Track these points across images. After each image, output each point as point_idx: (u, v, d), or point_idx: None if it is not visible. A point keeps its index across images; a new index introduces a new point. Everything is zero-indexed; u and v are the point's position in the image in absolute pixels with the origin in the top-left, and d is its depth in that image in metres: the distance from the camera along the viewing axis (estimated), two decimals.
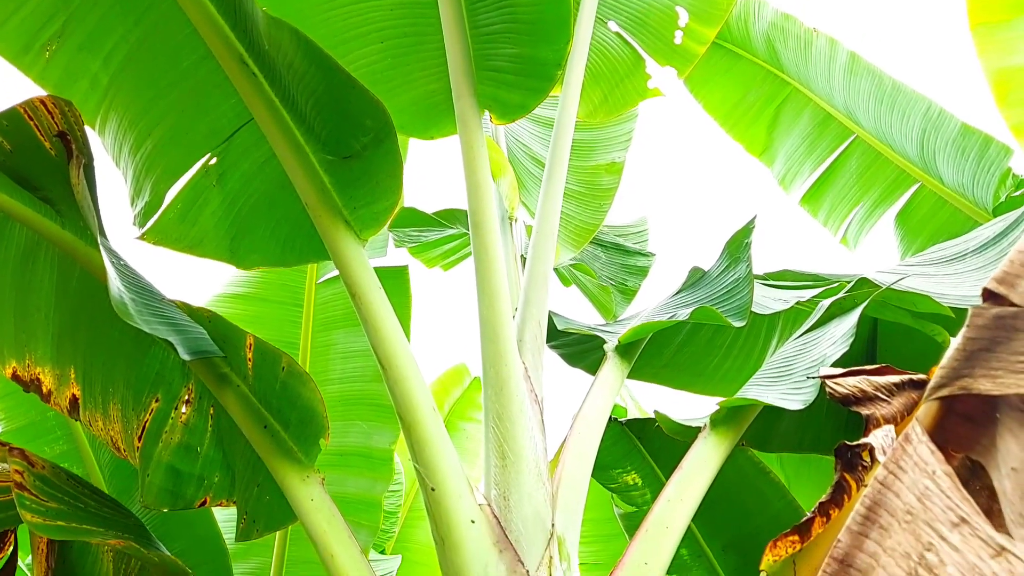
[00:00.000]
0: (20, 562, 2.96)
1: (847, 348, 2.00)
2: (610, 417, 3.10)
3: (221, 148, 2.23)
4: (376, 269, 3.92)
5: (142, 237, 2.20)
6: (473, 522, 1.71)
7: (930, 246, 3.52)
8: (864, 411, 1.73)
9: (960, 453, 1.19)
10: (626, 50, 2.66)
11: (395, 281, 3.74)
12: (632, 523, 3.22)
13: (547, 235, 2.26)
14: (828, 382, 1.78)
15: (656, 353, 3.25)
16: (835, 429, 2.78)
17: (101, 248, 1.85)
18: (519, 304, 2.23)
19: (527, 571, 1.70)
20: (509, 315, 2.02)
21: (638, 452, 3.19)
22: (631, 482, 3.24)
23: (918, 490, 1.11)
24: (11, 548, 2.26)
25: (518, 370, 1.98)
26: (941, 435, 1.20)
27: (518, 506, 1.80)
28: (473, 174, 2.13)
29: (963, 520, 1.03)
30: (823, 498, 1.58)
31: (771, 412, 2.60)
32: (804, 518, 1.61)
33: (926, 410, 1.19)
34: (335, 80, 1.96)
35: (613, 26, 2.66)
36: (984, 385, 1.11)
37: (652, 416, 4.08)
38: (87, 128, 2.25)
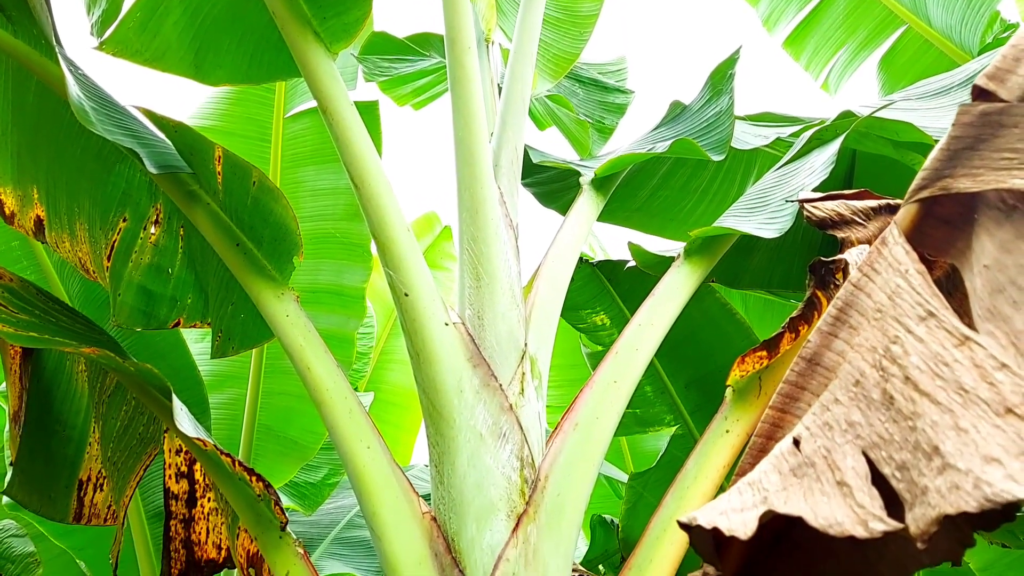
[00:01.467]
0: None
1: (826, 176, 1.99)
2: (581, 259, 3.13)
3: None
4: None
5: (100, 47, 2.09)
6: (447, 325, 1.73)
7: None
8: (840, 234, 1.74)
9: (936, 257, 1.21)
10: None
11: (366, 116, 3.61)
12: (599, 361, 3.30)
13: (525, 58, 2.18)
14: (806, 206, 1.78)
15: (630, 195, 3.24)
16: (803, 267, 2.82)
17: (59, 56, 1.75)
18: (495, 128, 2.17)
19: (500, 385, 1.74)
20: (485, 137, 1.97)
21: (607, 294, 3.23)
22: (600, 322, 3.29)
23: (889, 289, 1.13)
24: None
25: (493, 194, 1.95)
26: (918, 239, 1.21)
27: (492, 325, 1.82)
28: None
29: (930, 314, 1.05)
30: (794, 313, 1.61)
31: (743, 248, 2.63)
32: (774, 333, 1.65)
33: (904, 213, 1.20)
34: None
35: None
36: (964, 184, 1.11)
37: (623, 260, 4.11)
38: None
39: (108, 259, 2.13)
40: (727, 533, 1.00)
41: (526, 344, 1.88)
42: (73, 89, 1.71)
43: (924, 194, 1.16)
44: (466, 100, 1.98)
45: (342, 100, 1.90)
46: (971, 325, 1.05)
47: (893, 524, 0.90)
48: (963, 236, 1.16)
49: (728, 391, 1.77)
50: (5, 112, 2.20)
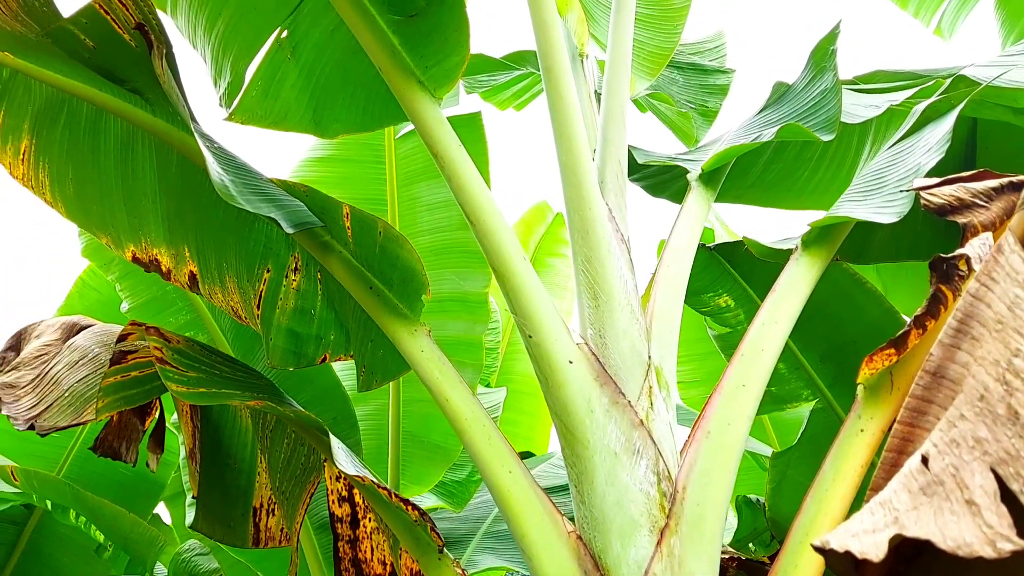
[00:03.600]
0: (167, 423, 3.29)
1: (943, 155, 1.94)
2: (699, 244, 3.14)
3: (291, 20, 2.24)
4: (449, 119, 3.95)
5: (230, 118, 2.28)
6: (571, 362, 1.81)
7: None
8: (961, 219, 1.70)
9: None
10: None
11: (469, 128, 3.74)
12: (727, 343, 3.30)
13: (620, 67, 2.22)
14: (922, 193, 1.76)
15: (742, 174, 3.21)
16: (933, 235, 2.73)
17: (195, 134, 1.93)
18: (597, 144, 2.22)
19: (628, 401, 1.81)
20: (588, 159, 2.03)
21: (729, 275, 3.23)
22: (723, 304, 3.30)
23: (1008, 299, 1.13)
24: (158, 412, 2.51)
25: (602, 213, 2.01)
26: None
27: (614, 342, 1.89)
28: (539, 13, 2.09)
29: None
30: (919, 311, 1.60)
31: (865, 224, 2.58)
32: (900, 331, 1.65)
33: (1019, 219, 1.19)
34: None
35: None
36: None
37: (741, 239, 4.08)
38: (161, 13, 2.31)
39: (257, 308, 2.33)
40: (859, 556, 1.04)
41: (650, 356, 1.94)
42: (213, 168, 1.89)
43: None
44: (565, 122, 2.04)
45: (451, 142, 2.01)
46: None
47: (1021, 543, 0.92)
48: None
49: (859, 389, 1.77)
50: (153, 182, 2.42)
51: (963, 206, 1.69)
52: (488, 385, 5.19)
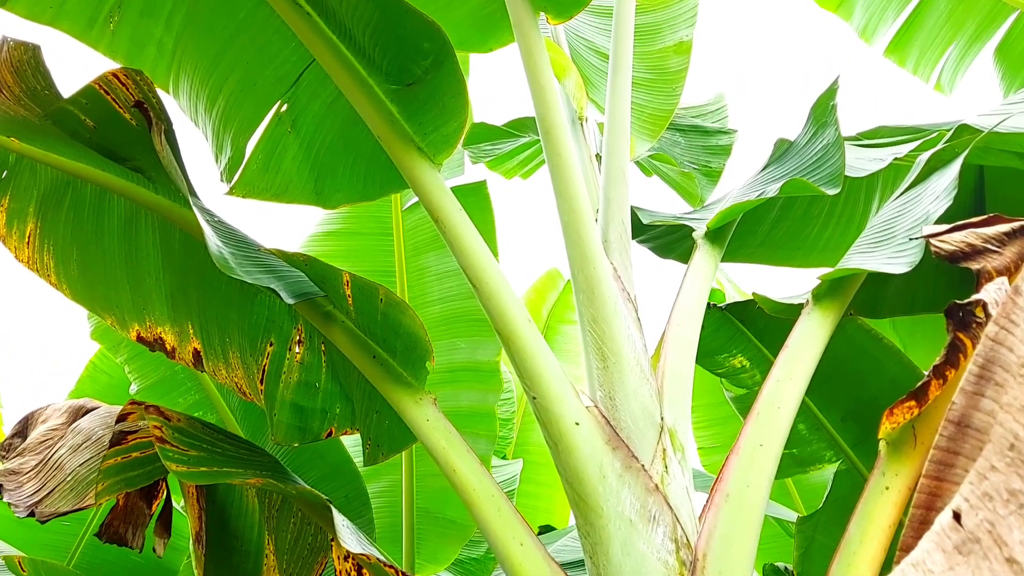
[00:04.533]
0: (175, 504, 3.22)
1: (950, 202, 1.91)
2: (709, 303, 3.09)
3: (290, 94, 2.26)
4: (455, 188, 3.96)
5: (231, 192, 2.28)
6: (579, 424, 1.75)
7: None
8: (974, 266, 1.66)
9: None
10: None
11: (475, 197, 3.76)
12: (744, 405, 3.22)
13: (619, 129, 2.22)
14: (932, 241, 1.72)
15: (750, 232, 3.18)
16: (948, 285, 2.68)
17: (194, 209, 1.92)
18: (600, 205, 2.21)
19: (642, 465, 1.74)
20: (591, 218, 2.01)
21: (742, 335, 3.17)
22: (739, 365, 3.23)
23: None
24: (164, 495, 2.45)
25: (607, 272, 1.98)
26: None
27: (625, 404, 1.83)
28: (536, 79, 2.10)
29: None
30: (937, 360, 1.54)
31: (878, 277, 2.52)
32: (920, 382, 1.59)
33: None
34: (387, 7, 1.94)
35: None
36: None
37: (751, 297, 4.00)
38: (163, 92, 2.34)
39: (261, 383, 2.29)
40: None
41: (662, 417, 1.88)
42: (212, 241, 1.87)
43: None
44: (566, 185, 2.03)
45: (451, 207, 1.99)
46: None
47: None
48: None
49: (881, 444, 1.70)
50: (156, 260, 2.42)
51: (975, 252, 1.65)
52: (504, 457, 5.10)
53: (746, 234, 3.19)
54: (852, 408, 2.98)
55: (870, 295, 2.63)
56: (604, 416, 1.82)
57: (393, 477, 3.96)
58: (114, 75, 2.03)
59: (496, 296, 1.89)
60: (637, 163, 3.57)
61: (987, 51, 3.66)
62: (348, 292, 1.98)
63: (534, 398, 1.80)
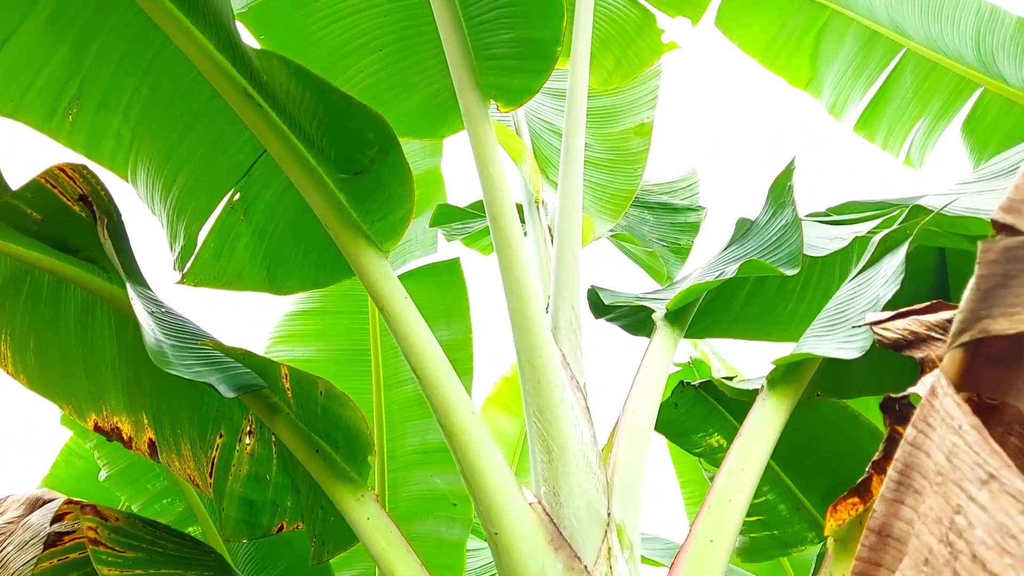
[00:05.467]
0: None
1: (898, 286, 1.89)
2: (683, 382, 3.05)
3: (242, 182, 2.27)
4: (429, 265, 3.96)
5: (181, 280, 2.27)
6: (519, 522, 1.70)
7: (1004, 151, 3.29)
8: (917, 354, 1.62)
9: (998, 399, 1.10)
10: (634, 9, 2.57)
11: (449, 275, 3.77)
12: None
13: (571, 213, 2.22)
14: (875, 328, 1.68)
15: (723, 308, 3.16)
16: (916, 364, 2.64)
17: (132, 301, 1.91)
18: (551, 289, 2.19)
19: (585, 567, 1.68)
20: (538, 304, 1.99)
21: (718, 413, 3.13)
22: (715, 444, 3.18)
23: (946, 448, 1.04)
24: None
25: (555, 359, 1.95)
26: (973, 382, 1.11)
27: (569, 500, 1.78)
28: (485, 166, 2.10)
29: (991, 476, 0.95)
30: (877, 455, 1.50)
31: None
32: (861, 478, 1.54)
33: (951, 359, 1.11)
34: (331, 100, 1.96)
35: None
36: (1002, 325, 1.02)
37: (735, 370, 3.95)
38: (122, 181, 2.35)
39: (210, 476, 2.24)
40: None
41: (610, 513, 1.82)
42: (150, 335, 1.85)
43: (965, 338, 1.08)
44: (513, 270, 2.02)
45: (396, 296, 1.97)
46: None
47: None
48: (1019, 375, 1.06)
49: (829, 542, 1.64)
50: (112, 349, 2.40)
51: (918, 340, 1.61)
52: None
53: (719, 310, 3.16)
54: (832, 487, 2.91)
55: (836, 375, 2.59)
56: (547, 513, 1.77)
57: (367, 564, 3.86)
58: (60, 169, 2.04)
59: (438, 387, 1.86)
60: (612, 240, 3.57)
61: (955, 126, 3.69)
62: (287, 385, 1.95)
63: (476, 493, 1.75)
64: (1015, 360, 1.07)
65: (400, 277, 3.96)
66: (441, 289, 3.84)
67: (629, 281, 3.72)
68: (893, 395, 1.44)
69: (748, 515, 3.20)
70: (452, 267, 3.77)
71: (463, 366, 3.87)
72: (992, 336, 1.07)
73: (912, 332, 1.64)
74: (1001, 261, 1.03)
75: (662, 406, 3.00)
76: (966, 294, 1.09)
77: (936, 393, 1.11)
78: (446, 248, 4.78)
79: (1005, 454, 0.98)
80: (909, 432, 1.12)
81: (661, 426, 3.05)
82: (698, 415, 3.12)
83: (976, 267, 1.06)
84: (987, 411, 1.06)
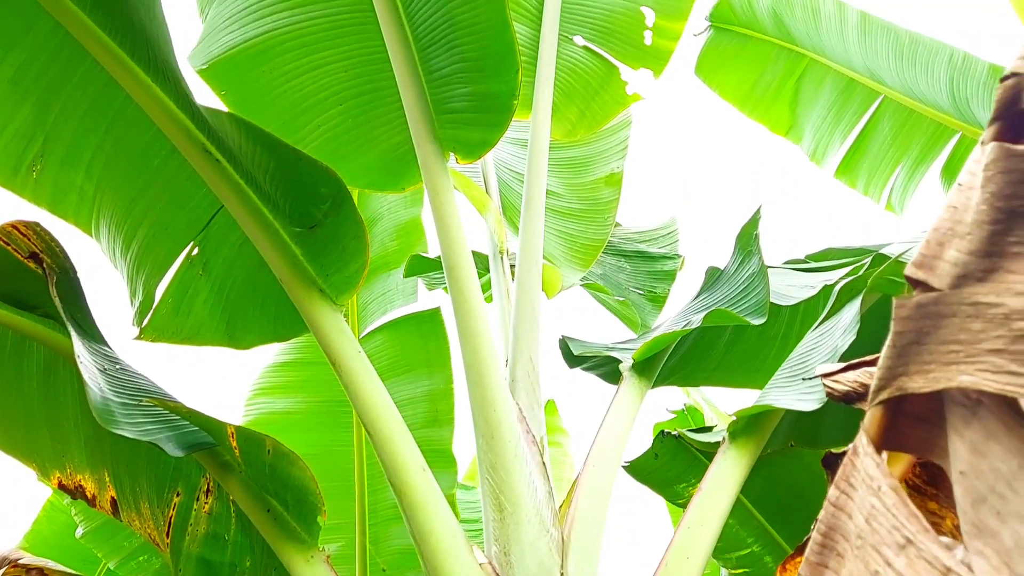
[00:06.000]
0: None
1: (854, 337, 1.86)
2: (664, 431, 3.01)
3: (201, 237, 2.27)
4: (410, 315, 3.93)
5: (139, 336, 2.25)
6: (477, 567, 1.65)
7: None
8: (867, 407, 1.59)
9: (920, 458, 1.07)
10: (596, 62, 2.59)
11: (430, 324, 3.75)
12: None
13: (531, 266, 2.20)
14: (825, 381, 1.65)
15: (703, 356, 3.13)
16: None
17: (78, 358, 1.89)
18: (509, 342, 2.17)
19: None
20: (494, 357, 1.96)
21: (699, 464, 3.07)
22: None
23: (865, 510, 1.00)
24: None
25: (510, 413, 1.91)
26: (895, 441, 1.08)
27: (520, 560, 1.73)
28: (442, 220, 2.10)
29: (908, 541, 0.92)
30: (820, 515, 1.45)
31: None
32: (806, 537, 1.49)
33: (871, 417, 1.07)
34: (282, 155, 1.96)
35: (579, 40, 2.59)
36: (918, 383, 0.99)
37: (730, 417, 3.85)
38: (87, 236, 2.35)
39: (167, 535, 2.20)
40: None
41: (563, 572, 1.77)
42: (96, 394, 1.83)
43: (884, 395, 1.05)
44: (469, 324, 2.00)
45: (349, 350, 1.95)
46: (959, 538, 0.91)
47: None
48: (941, 433, 1.03)
49: None
50: (75, 406, 2.37)
51: (867, 392, 1.58)
52: None
53: (700, 358, 3.13)
54: None
55: (808, 425, 2.55)
56: (497, 574, 1.72)
57: None
58: (13, 226, 2.04)
59: (389, 443, 1.83)
60: (585, 288, 3.55)
61: (934, 171, 3.68)
62: (235, 444, 1.92)
63: (422, 554, 1.70)
64: (935, 418, 1.04)
65: (382, 327, 3.96)
66: (423, 339, 3.82)
67: (613, 325, 3.69)
68: (834, 451, 1.40)
69: (733, 567, 3.14)
70: (433, 316, 3.76)
71: (444, 416, 3.83)
72: (911, 394, 1.04)
73: (862, 384, 1.60)
74: (915, 318, 1.01)
75: (643, 456, 2.95)
76: (883, 351, 1.07)
77: (857, 452, 1.07)
78: (428, 297, 4.79)
79: (923, 518, 0.95)
80: (832, 492, 1.09)
81: (643, 477, 3.00)
82: (679, 465, 3.07)
83: (891, 323, 1.04)
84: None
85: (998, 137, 0.96)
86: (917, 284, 1.02)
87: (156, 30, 2.01)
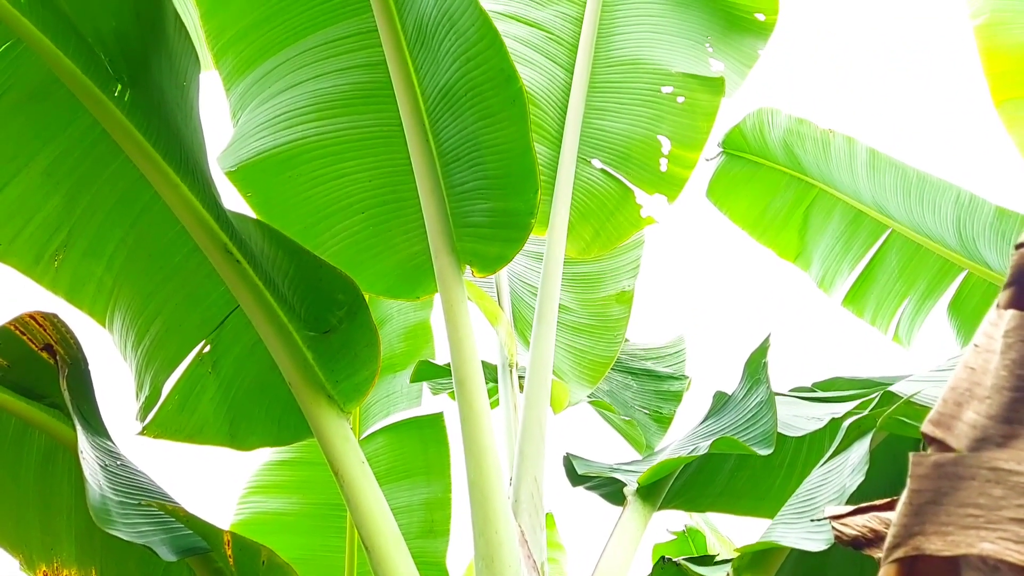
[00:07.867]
0: None
1: (863, 477, 1.84)
2: (664, 558, 2.93)
3: (214, 335, 2.28)
4: (413, 419, 3.91)
5: (143, 432, 2.24)
6: None
7: None
8: (876, 553, 1.56)
9: None
10: (613, 184, 2.66)
11: (432, 430, 3.72)
12: None
13: (540, 381, 2.20)
14: (834, 524, 1.62)
15: (707, 481, 3.08)
16: None
17: (81, 454, 1.88)
18: (514, 461, 2.15)
19: None
20: (499, 475, 1.94)
21: None
22: None
23: None
24: None
25: (512, 536, 1.88)
26: None
27: None
28: (455, 331, 2.11)
29: None
30: None
31: None
32: None
33: (885, 573, 1.06)
34: (302, 261, 2.00)
35: (597, 163, 2.67)
36: (936, 545, 0.98)
37: (729, 542, 3.80)
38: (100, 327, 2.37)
39: None
40: None
41: None
42: (94, 491, 1.81)
43: (899, 554, 1.03)
44: (476, 439, 1.99)
45: (353, 460, 1.94)
46: None
47: None
48: None
49: None
50: (70, 498, 2.34)
51: (877, 538, 1.54)
52: None
53: (703, 483, 3.08)
54: None
55: (815, 563, 2.48)
56: None
57: None
58: (31, 317, 2.06)
59: (387, 560, 1.79)
60: (591, 405, 3.53)
61: (941, 306, 3.71)
62: (229, 552, 1.88)
63: None
64: None
65: (383, 429, 3.93)
66: (423, 444, 3.78)
67: (614, 439, 3.65)
68: None
69: None
70: (435, 422, 3.73)
71: (440, 527, 3.76)
72: (927, 555, 1.03)
73: (872, 530, 1.58)
74: (932, 477, 1.00)
75: None
76: (899, 507, 1.05)
77: None
78: (432, 401, 4.77)
79: None
80: None
81: None
82: None
83: (908, 480, 1.03)
84: None
85: (1013, 302, 0.98)
86: (933, 442, 1.02)
87: (191, 135, 2.08)
